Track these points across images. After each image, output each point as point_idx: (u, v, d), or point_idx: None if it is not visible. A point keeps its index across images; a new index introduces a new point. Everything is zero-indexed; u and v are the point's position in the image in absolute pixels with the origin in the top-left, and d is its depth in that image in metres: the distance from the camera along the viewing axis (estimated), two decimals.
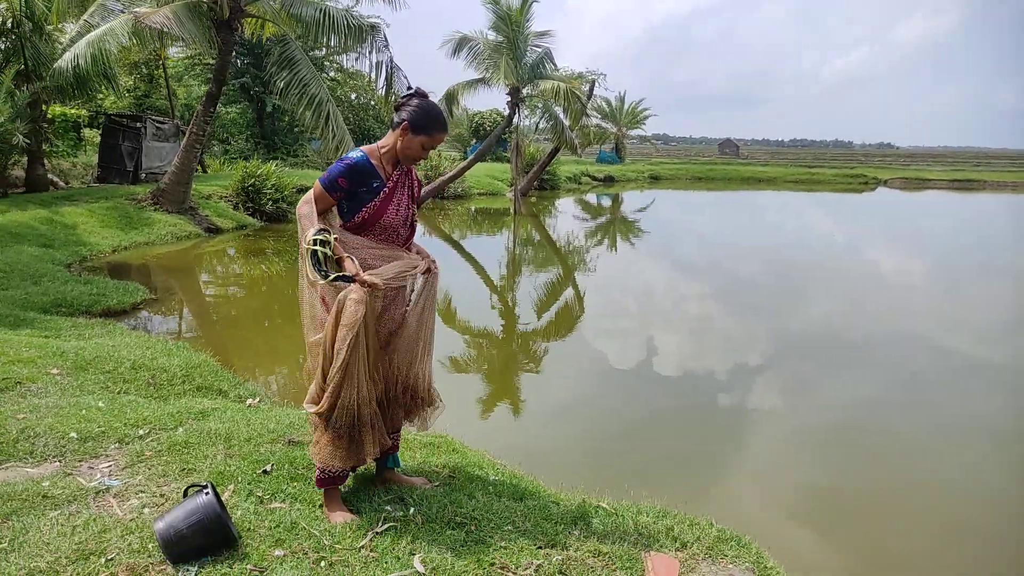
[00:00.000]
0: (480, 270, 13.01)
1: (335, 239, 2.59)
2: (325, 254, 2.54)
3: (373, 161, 2.70)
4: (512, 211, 20.76)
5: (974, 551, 3.95)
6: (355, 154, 2.68)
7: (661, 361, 7.30)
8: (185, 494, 2.59)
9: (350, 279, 2.54)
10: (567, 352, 7.70)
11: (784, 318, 9.38)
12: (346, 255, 2.60)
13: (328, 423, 2.63)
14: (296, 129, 27.68)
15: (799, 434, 5.47)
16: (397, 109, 2.71)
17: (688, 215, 26.76)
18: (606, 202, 30.25)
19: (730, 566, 2.66)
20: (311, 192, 2.67)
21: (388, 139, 2.74)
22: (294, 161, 24.48)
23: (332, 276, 2.53)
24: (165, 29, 11.05)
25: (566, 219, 23.36)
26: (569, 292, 11.30)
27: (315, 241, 2.53)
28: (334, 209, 2.75)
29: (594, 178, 38.06)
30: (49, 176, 15.09)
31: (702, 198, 34.01)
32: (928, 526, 4.18)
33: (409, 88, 2.79)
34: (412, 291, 2.88)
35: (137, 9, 11.54)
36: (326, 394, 2.58)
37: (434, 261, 2.88)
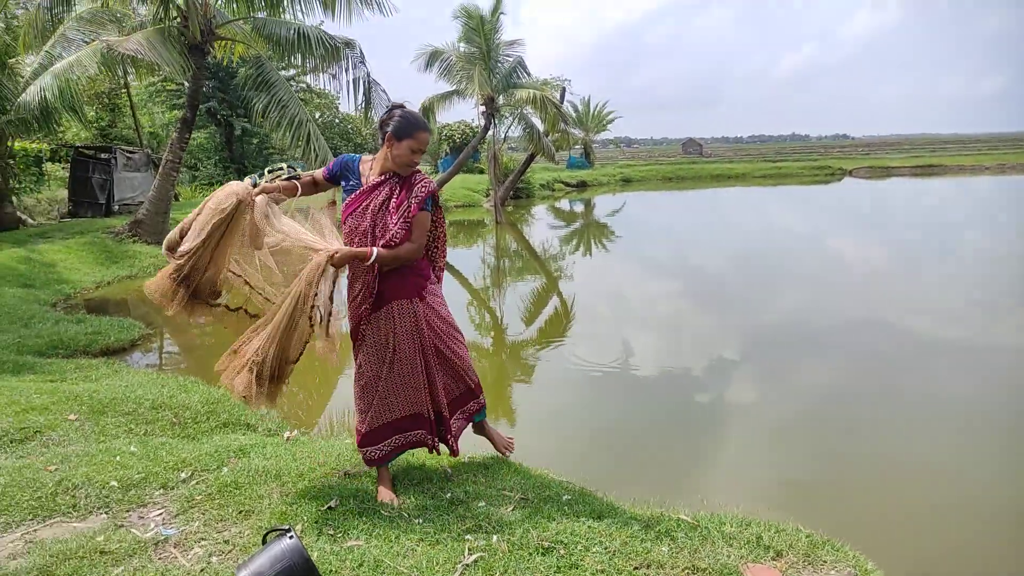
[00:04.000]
0: (464, 282, 12.77)
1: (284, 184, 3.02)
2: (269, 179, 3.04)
3: (361, 165, 2.97)
4: (494, 221, 20.64)
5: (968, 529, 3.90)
6: (352, 154, 3.00)
7: (656, 361, 7.18)
8: (264, 540, 2.44)
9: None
10: (563, 359, 7.48)
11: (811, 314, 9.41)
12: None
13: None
14: (266, 151, 27.32)
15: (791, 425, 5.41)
16: (381, 127, 2.92)
17: (674, 216, 26.86)
18: (579, 207, 30.28)
19: (832, 572, 2.59)
20: None
21: (380, 152, 2.97)
22: None
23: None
24: (139, 56, 10.78)
25: (542, 227, 23.27)
26: (556, 301, 11.19)
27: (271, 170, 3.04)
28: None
29: (567, 184, 38.14)
30: (17, 214, 14.66)
31: (677, 198, 34.24)
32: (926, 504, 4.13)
33: (389, 104, 3.21)
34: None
35: (107, 38, 11.25)
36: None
37: (332, 255, 2.74)
